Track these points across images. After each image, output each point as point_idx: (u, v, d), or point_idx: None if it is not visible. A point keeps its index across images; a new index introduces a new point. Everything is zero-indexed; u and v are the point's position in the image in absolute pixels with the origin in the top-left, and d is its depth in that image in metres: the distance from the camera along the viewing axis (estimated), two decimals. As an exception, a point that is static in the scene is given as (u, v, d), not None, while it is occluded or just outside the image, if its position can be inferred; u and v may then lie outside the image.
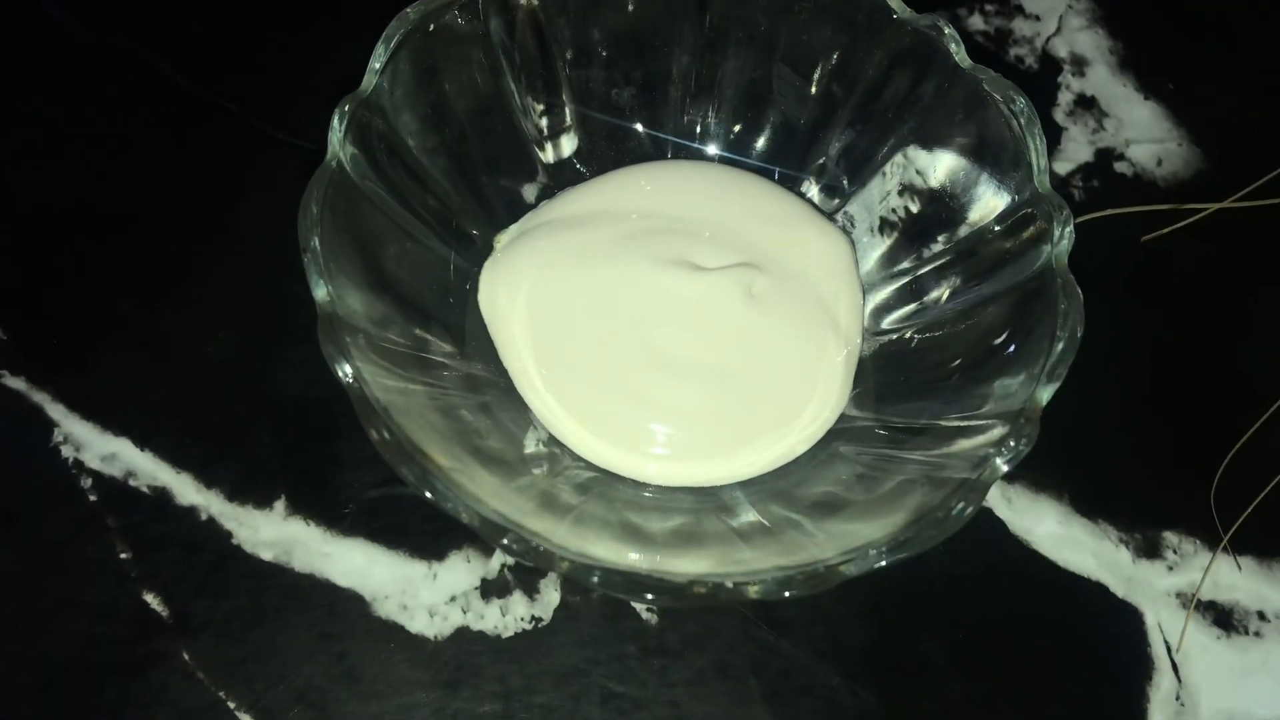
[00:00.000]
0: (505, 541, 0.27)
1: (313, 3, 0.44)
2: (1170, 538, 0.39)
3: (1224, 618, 0.38)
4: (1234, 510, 0.39)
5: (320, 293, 0.29)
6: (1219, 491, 0.39)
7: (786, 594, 0.27)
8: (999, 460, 0.29)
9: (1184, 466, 0.39)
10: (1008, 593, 0.38)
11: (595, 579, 0.27)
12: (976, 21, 0.47)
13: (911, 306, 0.36)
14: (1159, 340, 0.41)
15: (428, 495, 0.27)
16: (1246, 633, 0.38)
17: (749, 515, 0.33)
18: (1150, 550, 0.38)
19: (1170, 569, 0.38)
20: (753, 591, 0.27)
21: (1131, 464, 0.40)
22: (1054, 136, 0.45)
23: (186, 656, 0.35)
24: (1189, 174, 0.44)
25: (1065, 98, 0.45)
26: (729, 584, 0.27)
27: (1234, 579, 0.38)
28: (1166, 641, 0.37)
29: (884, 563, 0.27)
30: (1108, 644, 0.37)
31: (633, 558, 0.30)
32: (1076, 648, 0.37)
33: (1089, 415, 0.39)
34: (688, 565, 0.30)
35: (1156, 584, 0.38)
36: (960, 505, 0.28)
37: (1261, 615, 0.38)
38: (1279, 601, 0.38)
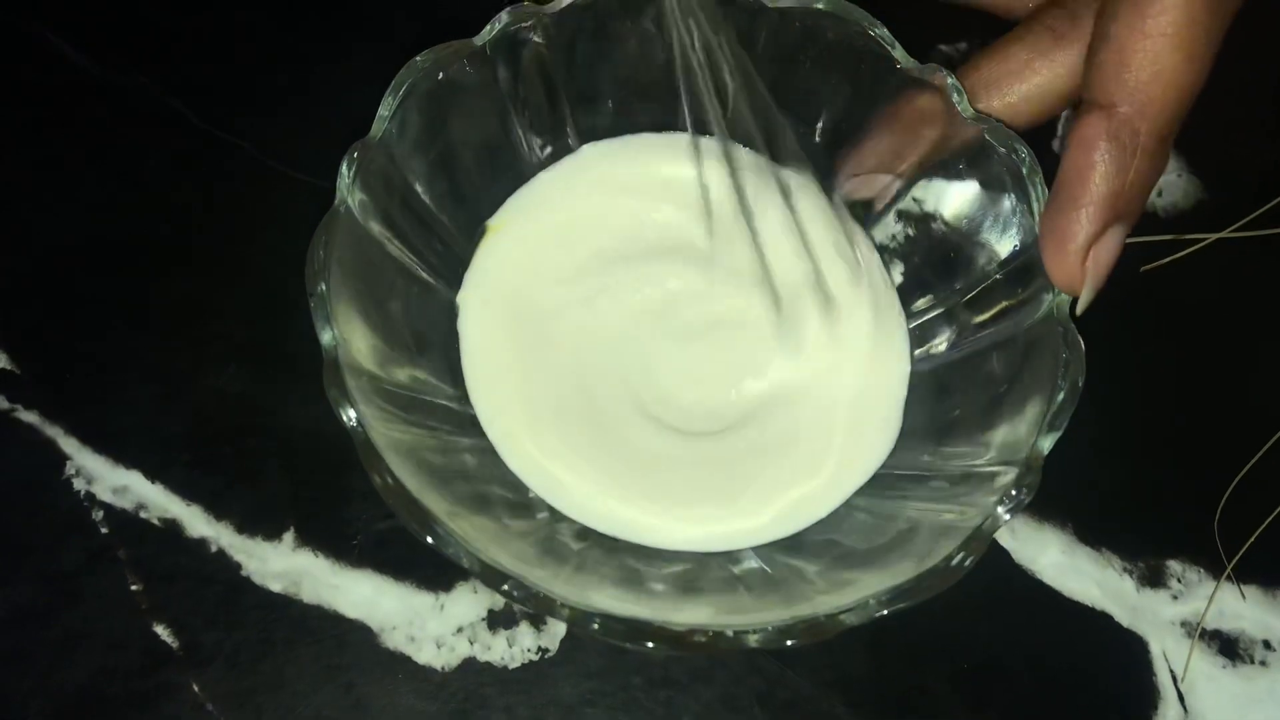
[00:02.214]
0: (505, 588, 0.27)
1: (327, 43, 0.44)
2: (1174, 567, 0.39)
3: (1229, 646, 0.38)
4: (1238, 539, 0.39)
5: (326, 337, 0.29)
6: (1223, 520, 0.39)
7: (788, 643, 0.27)
8: (1000, 509, 0.29)
9: (1187, 495, 0.40)
10: (1012, 622, 0.38)
11: (595, 626, 0.27)
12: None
13: (915, 354, 0.36)
14: (1160, 370, 0.42)
15: (429, 541, 0.28)
16: (1252, 661, 0.38)
17: (752, 562, 0.33)
18: (1154, 579, 0.39)
19: (1175, 598, 0.38)
20: (753, 640, 0.27)
21: (1134, 493, 0.40)
22: (1054, 169, 0.45)
23: (196, 688, 0.35)
24: (1189, 204, 0.44)
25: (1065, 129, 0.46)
26: (729, 633, 0.27)
27: (1239, 608, 0.38)
28: (1172, 671, 0.37)
29: (884, 612, 0.28)
30: (1112, 673, 0.37)
31: (633, 605, 0.30)
32: (1081, 677, 0.37)
33: (1091, 444, 0.39)
34: (689, 611, 0.31)
35: (1161, 613, 0.38)
36: (961, 555, 0.28)
37: (1267, 644, 0.38)
38: (1284, 630, 0.38)
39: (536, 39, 0.34)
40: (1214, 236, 0.42)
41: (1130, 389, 0.41)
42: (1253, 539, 0.39)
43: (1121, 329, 0.41)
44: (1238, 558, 0.38)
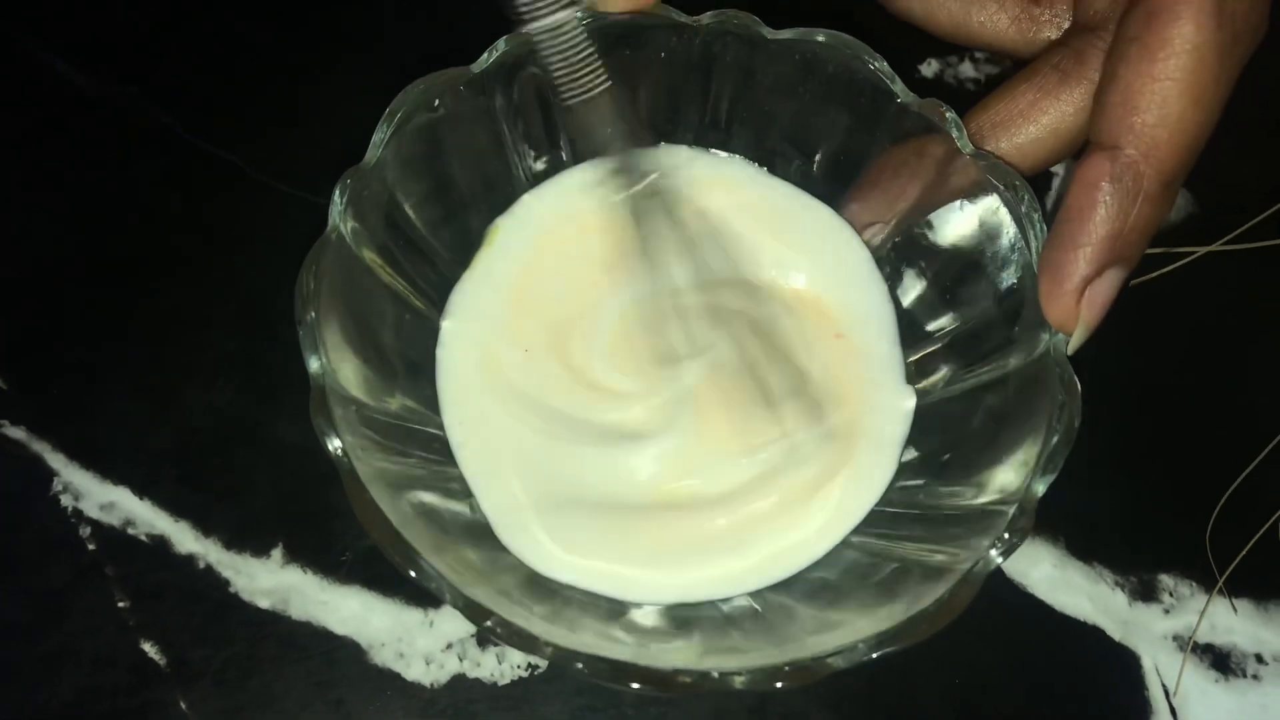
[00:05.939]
0: (488, 624, 0.27)
1: (320, 57, 0.44)
2: (1166, 580, 0.39)
3: (1221, 661, 0.38)
4: (1230, 552, 0.39)
5: (314, 365, 0.29)
6: (1214, 534, 0.39)
7: (776, 685, 0.27)
8: (993, 552, 0.29)
9: (1179, 509, 0.40)
10: (1003, 637, 0.38)
11: (579, 666, 0.27)
12: (967, 69, 0.47)
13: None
14: (1151, 383, 0.42)
15: (411, 575, 0.27)
16: (1244, 675, 0.38)
17: (741, 600, 0.32)
18: (1146, 593, 0.38)
19: (1166, 612, 0.38)
20: (739, 682, 0.27)
21: (1126, 507, 0.40)
22: (1045, 180, 0.45)
23: (184, 705, 0.35)
24: (1179, 218, 0.44)
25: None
26: (715, 674, 0.27)
27: (1231, 621, 0.38)
28: (1164, 685, 0.37)
29: (873, 655, 0.27)
30: (1105, 688, 0.37)
31: (620, 643, 0.29)
32: (1073, 692, 0.37)
33: (1083, 458, 0.39)
34: (677, 650, 0.30)
35: (1153, 627, 0.38)
36: (950, 599, 0.28)
37: (1259, 658, 0.38)
38: (1277, 644, 0.38)
39: (534, 67, 0.33)
40: (1204, 250, 0.42)
41: (1121, 403, 0.41)
42: (1244, 552, 0.38)
43: (1113, 343, 0.41)
44: (1229, 571, 0.38)
